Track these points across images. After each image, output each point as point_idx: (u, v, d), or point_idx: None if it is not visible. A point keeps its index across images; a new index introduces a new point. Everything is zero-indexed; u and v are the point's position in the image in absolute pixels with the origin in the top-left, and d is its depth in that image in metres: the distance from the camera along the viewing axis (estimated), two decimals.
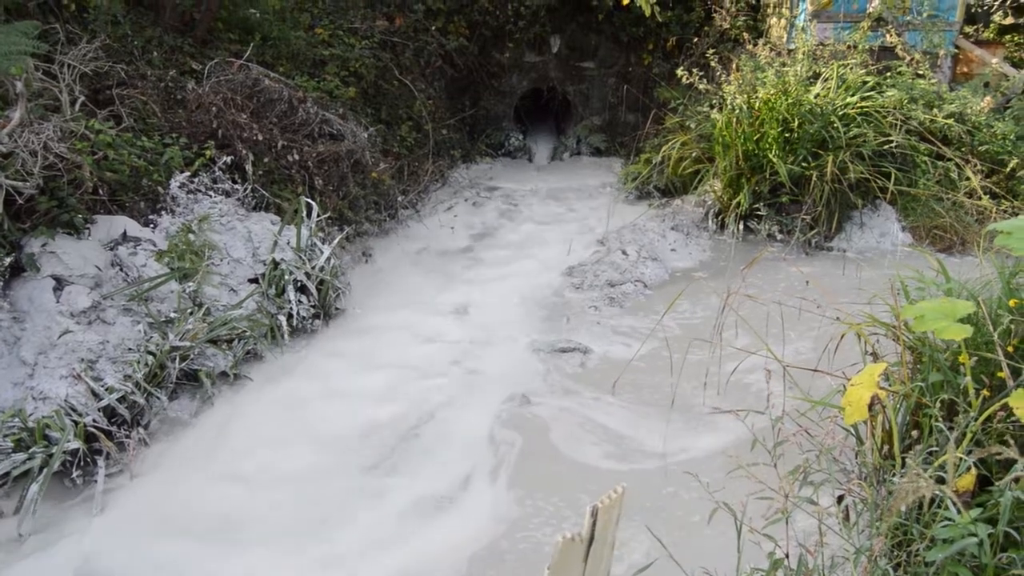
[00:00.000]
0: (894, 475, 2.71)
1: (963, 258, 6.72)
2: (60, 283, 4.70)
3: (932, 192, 7.17)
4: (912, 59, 8.14)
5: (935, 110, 7.54)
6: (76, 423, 4.00)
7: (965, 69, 9.30)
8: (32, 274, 4.67)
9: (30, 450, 3.84)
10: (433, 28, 10.05)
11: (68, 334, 4.45)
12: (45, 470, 3.77)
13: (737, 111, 7.50)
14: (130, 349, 4.58)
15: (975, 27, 9.16)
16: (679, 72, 8.19)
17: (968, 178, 7.14)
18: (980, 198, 7.02)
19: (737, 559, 2.44)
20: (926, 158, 7.31)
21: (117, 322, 4.72)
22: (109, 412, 4.22)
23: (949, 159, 7.30)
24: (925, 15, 8.59)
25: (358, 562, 3.52)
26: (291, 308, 5.53)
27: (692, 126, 8.45)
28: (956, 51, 9.03)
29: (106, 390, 4.23)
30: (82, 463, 3.98)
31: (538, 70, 11.50)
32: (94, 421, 4.09)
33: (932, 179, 7.25)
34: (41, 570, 3.44)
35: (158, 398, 4.51)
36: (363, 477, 4.14)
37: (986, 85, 8.37)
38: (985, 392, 2.80)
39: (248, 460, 4.26)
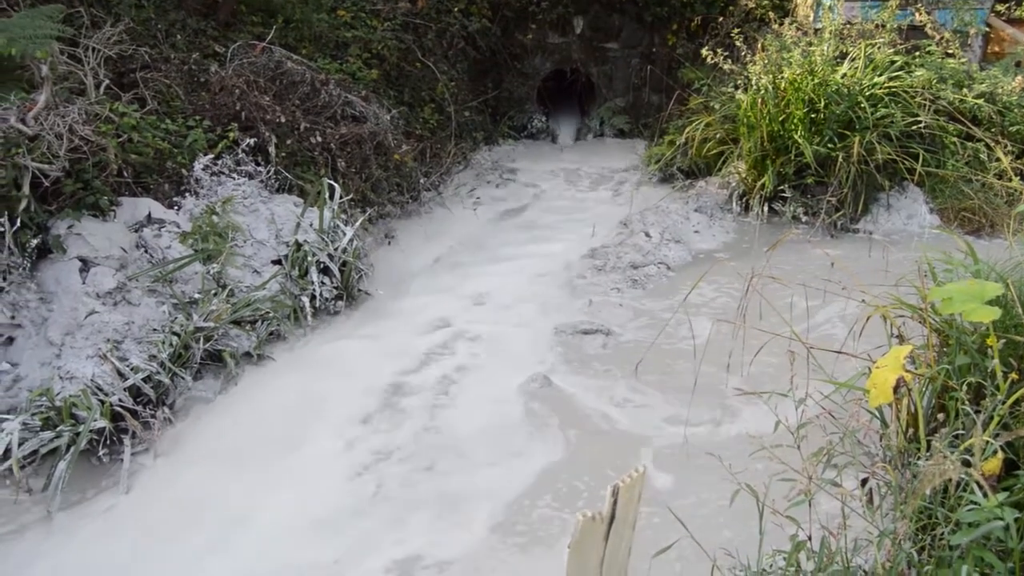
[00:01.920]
0: (919, 458, 2.68)
1: (992, 240, 6.62)
2: (86, 264, 4.75)
3: (961, 173, 7.06)
4: (942, 38, 8.00)
5: (965, 90, 7.41)
6: (102, 402, 4.05)
7: (996, 48, 9.12)
8: (59, 255, 4.72)
9: (57, 428, 3.90)
10: (455, 10, 9.99)
11: (94, 315, 4.50)
12: (72, 448, 3.83)
13: (762, 91, 7.41)
14: (155, 329, 4.63)
15: (1007, 5, 8.95)
16: (704, 52, 8.11)
17: (998, 159, 7.02)
18: (1010, 179, 6.90)
19: (759, 541, 2.42)
20: (955, 139, 7.19)
21: (142, 303, 4.76)
22: (134, 391, 4.27)
23: (979, 140, 7.17)
24: None
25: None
26: (314, 290, 5.55)
27: (716, 107, 8.37)
28: (987, 30, 8.86)
29: (132, 370, 4.28)
30: (108, 441, 4.04)
31: (561, 51, 11.42)
32: (120, 400, 4.14)
33: (961, 160, 7.14)
34: (71, 550, 3.49)
35: (183, 378, 4.55)
36: (380, 458, 4.17)
37: (1018, 64, 8.20)
38: (1013, 375, 2.76)
39: (272, 441, 4.29)
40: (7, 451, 3.75)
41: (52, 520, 3.63)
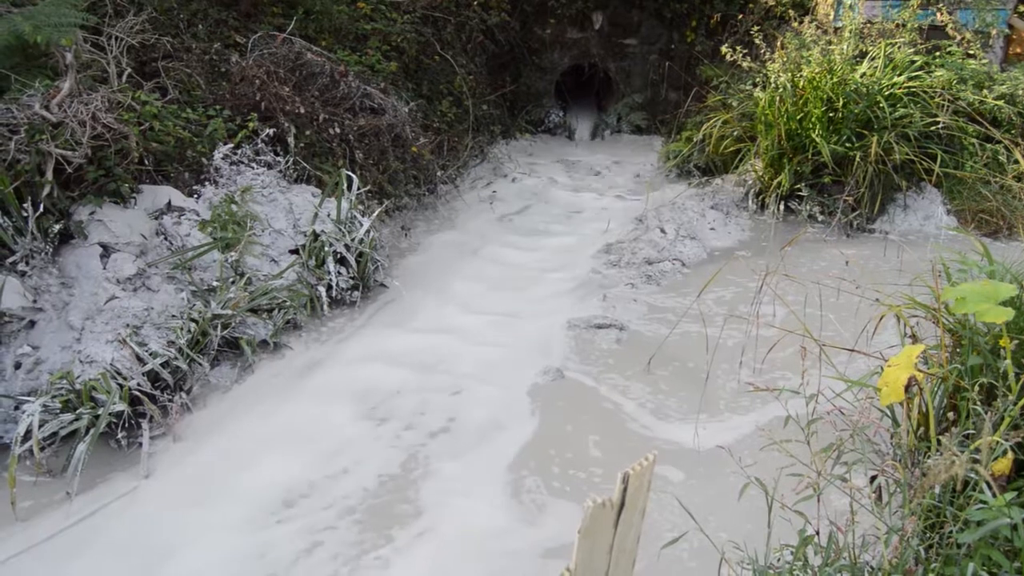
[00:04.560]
0: (929, 457, 2.69)
1: (1009, 243, 6.60)
2: (107, 250, 4.82)
3: (979, 175, 7.03)
4: (963, 38, 7.96)
5: (985, 91, 7.37)
6: (121, 386, 4.11)
7: (1018, 49, 9.06)
8: (80, 241, 4.79)
9: (77, 411, 3.96)
10: (475, 3, 10.01)
11: (114, 300, 4.56)
12: (92, 431, 3.88)
13: (781, 90, 7.40)
14: (173, 316, 4.69)
15: None
16: (723, 49, 8.09)
17: (1017, 161, 6.99)
18: None
19: (767, 534, 2.45)
20: (974, 140, 7.16)
21: (161, 289, 4.82)
22: (153, 376, 4.33)
23: (998, 141, 7.14)
24: None
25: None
26: (330, 279, 5.60)
27: (734, 104, 8.36)
28: (1009, 31, 8.80)
29: (150, 355, 4.34)
30: (126, 425, 4.10)
31: (580, 46, 11.42)
32: (138, 385, 4.20)
33: (979, 162, 7.11)
34: (94, 536, 3.54)
35: (200, 364, 4.61)
36: (394, 449, 4.21)
37: None
38: None
39: (289, 428, 4.34)
40: (27, 433, 3.81)
41: (72, 502, 3.69)
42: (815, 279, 4.71)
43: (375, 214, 6.17)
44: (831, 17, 8.94)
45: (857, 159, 7.02)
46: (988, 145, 7.16)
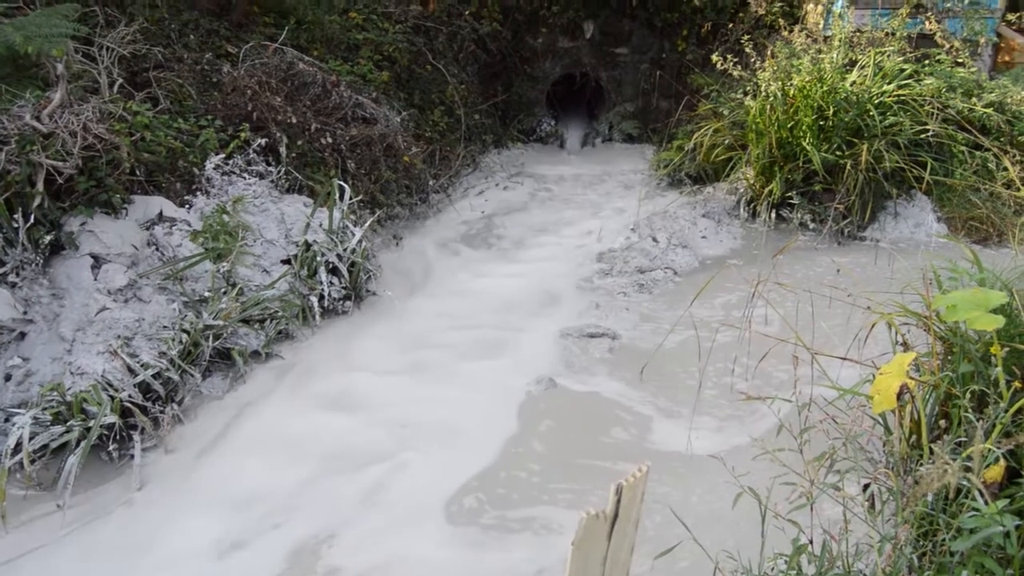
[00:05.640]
0: (921, 465, 2.69)
1: (999, 250, 6.62)
2: (98, 261, 4.80)
3: (969, 182, 7.07)
4: (952, 47, 8.01)
5: (974, 99, 7.41)
6: (112, 398, 4.09)
7: (1007, 58, 9.12)
8: (71, 252, 4.77)
9: (68, 423, 3.93)
10: (466, 13, 10.04)
11: (105, 311, 4.54)
12: (83, 443, 3.86)
13: (771, 98, 7.43)
14: (165, 327, 4.67)
15: (1018, 15, 8.95)
16: (713, 58, 8.13)
17: (1006, 169, 7.02)
18: (1018, 189, 6.90)
19: (761, 544, 2.45)
20: (963, 148, 7.20)
21: (153, 300, 4.80)
22: (144, 388, 4.30)
23: (987, 149, 7.18)
24: (966, 2, 8.43)
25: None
26: (323, 289, 5.59)
27: (725, 113, 8.39)
28: (997, 39, 8.87)
29: (142, 366, 4.32)
30: (118, 437, 4.07)
31: (571, 56, 11.45)
32: (130, 396, 4.17)
33: (969, 169, 7.14)
34: (86, 548, 3.52)
35: (192, 375, 4.59)
36: (391, 449, 4.20)
37: None
38: (1016, 384, 2.77)
39: (279, 438, 4.33)
40: (18, 445, 3.78)
41: (64, 515, 3.65)
42: (807, 287, 4.72)
43: (367, 224, 6.16)
44: (821, 26, 8.99)
45: (848, 167, 7.06)
46: (977, 153, 7.19)
